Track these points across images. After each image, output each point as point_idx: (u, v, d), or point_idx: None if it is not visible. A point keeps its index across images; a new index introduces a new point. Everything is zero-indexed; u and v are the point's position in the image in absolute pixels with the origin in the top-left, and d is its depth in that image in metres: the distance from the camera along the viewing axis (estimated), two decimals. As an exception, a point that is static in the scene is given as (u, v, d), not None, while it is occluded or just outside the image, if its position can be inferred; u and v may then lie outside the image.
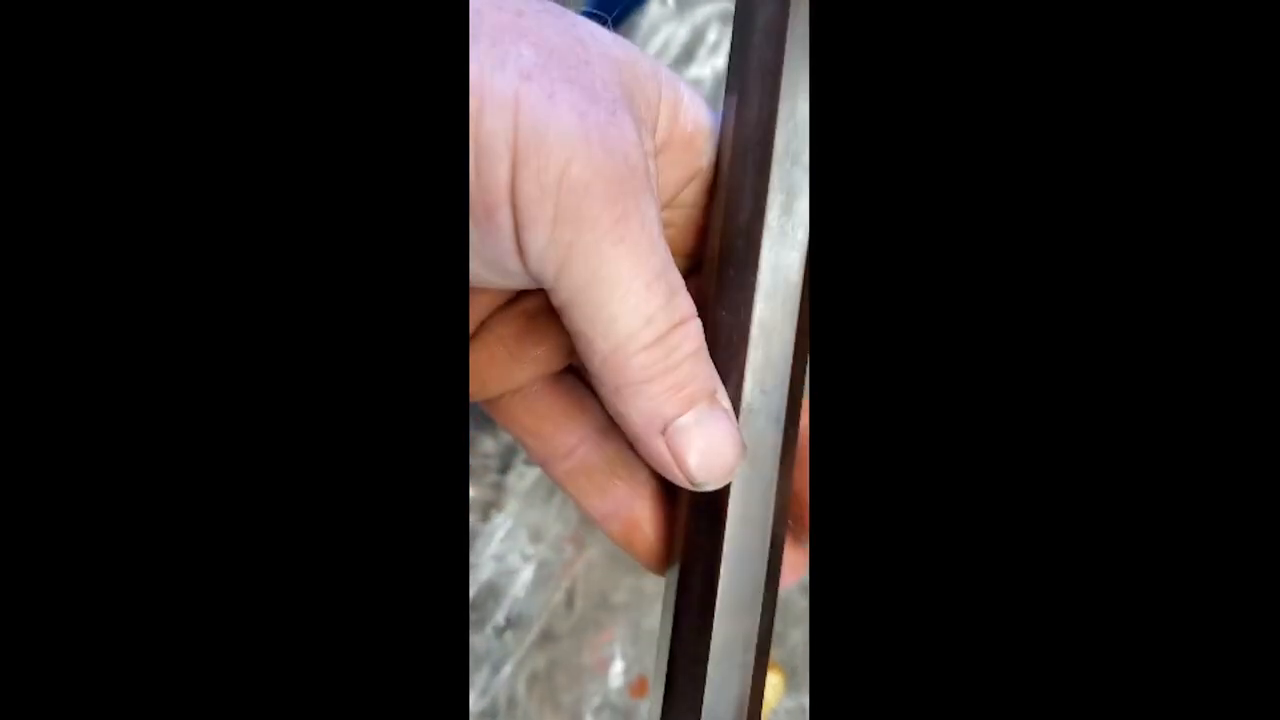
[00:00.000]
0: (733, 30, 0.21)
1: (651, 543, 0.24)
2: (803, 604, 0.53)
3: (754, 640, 0.21)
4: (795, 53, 0.19)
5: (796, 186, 0.20)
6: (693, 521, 0.22)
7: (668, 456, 0.20)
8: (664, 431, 0.19)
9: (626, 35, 0.53)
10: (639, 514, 0.23)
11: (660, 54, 0.49)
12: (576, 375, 0.25)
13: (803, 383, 0.21)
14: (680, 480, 0.20)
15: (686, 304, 0.19)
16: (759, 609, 0.21)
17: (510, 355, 0.22)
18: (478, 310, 0.22)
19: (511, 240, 0.17)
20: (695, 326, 0.20)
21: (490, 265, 0.18)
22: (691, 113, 0.21)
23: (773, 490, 0.21)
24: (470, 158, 0.16)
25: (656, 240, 0.18)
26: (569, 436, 0.23)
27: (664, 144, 0.21)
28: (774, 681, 0.50)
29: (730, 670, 0.21)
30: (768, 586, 0.21)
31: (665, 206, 0.22)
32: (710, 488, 0.20)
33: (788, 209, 0.20)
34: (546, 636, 0.52)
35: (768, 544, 0.21)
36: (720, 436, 0.20)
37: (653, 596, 0.50)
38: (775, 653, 0.52)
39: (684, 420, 0.19)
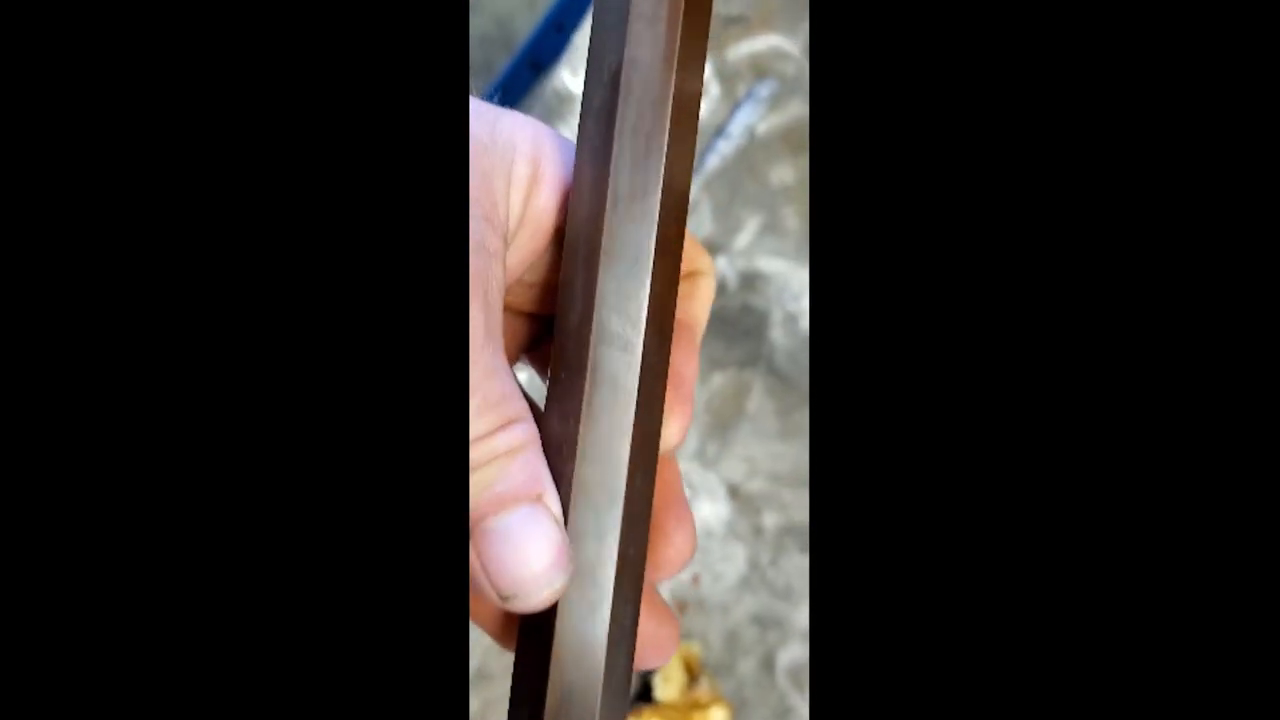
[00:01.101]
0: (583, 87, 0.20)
1: (495, 612, 0.21)
2: (752, 633, 0.52)
3: None
4: (626, 140, 0.19)
5: (632, 283, 0.19)
6: (521, 646, 0.20)
7: (474, 562, 0.18)
8: (473, 532, 0.18)
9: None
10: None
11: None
12: None
13: (648, 506, 0.20)
14: (488, 594, 0.18)
15: (512, 408, 0.18)
16: None
17: None
18: None
19: None
20: (519, 430, 0.18)
21: None
22: (546, 188, 0.20)
23: (605, 624, 0.19)
24: None
25: (480, 351, 0.18)
26: None
27: (520, 222, 0.20)
28: (721, 717, 0.49)
29: None
30: (605, 716, 0.19)
31: (525, 283, 0.22)
32: (521, 606, 0.18)
33: (620, 310, 0.19)
34: (481, 676, 0.50)
35: (600, 679, 0.19)
36: (536, 542, 0.18)
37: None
38: (725, 685, 0.50)
39: (492, 522, 0.18)
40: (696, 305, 0.23)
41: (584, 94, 0.20)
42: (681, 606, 0.51)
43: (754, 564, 0.53)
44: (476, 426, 0.18)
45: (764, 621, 0.53)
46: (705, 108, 0.52)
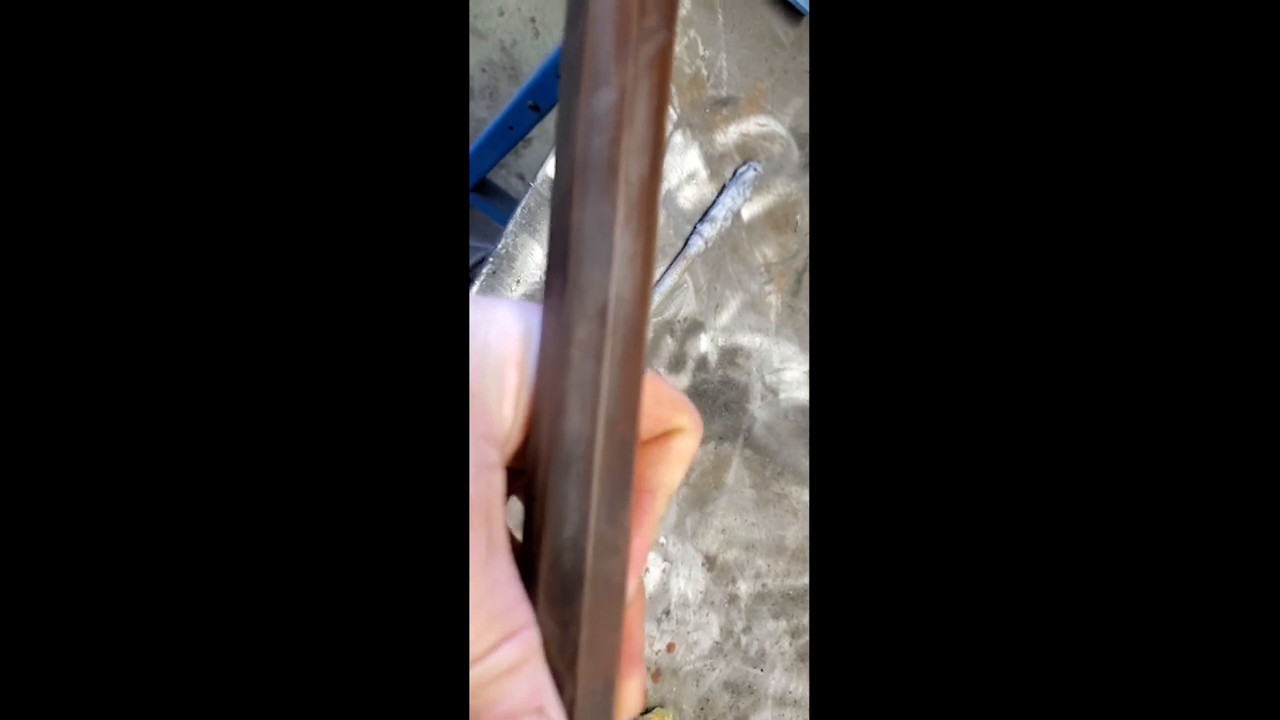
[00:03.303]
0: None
1: None
2: (725, 699, 0.54)
3: None
4: (612, 373, 0.20)
5: (619, 497, 0.21)
6: None
7: None
8: None
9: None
10: None
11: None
12: None
13: (618, 661, 0.22)
14: None
15: (516, 618, 0.20)
16: None
17: None
18: None
19: None
20: (521, 641, 0.20)
21: None
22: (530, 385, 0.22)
23: None
24: None
25: (483, 569, 0.19)
26: None
27: (513, 424, 0.21)
28: (690, 782, 0.50)
29: None
30: None
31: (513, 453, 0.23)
32: None
33: (611, 520, 0.21)
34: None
35: None
36: None
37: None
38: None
39: None
40: (667, 468, 0.23)
41: (560, 316, 0.21)
42: (656, 674, 0.53)
43: (727, 631, 0.55)
44: (482, 642, 0.19)
45: (737, 688, 0.55)
46: (692, 191, 0.54)
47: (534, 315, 0.22)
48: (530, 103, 0.95)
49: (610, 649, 0.21)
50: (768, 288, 0.56)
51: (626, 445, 0.21)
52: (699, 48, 0.55)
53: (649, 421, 0.23)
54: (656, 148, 0.20)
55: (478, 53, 1.47)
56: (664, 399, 0.23)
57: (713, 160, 0.55)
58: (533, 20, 1.52)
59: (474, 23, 1.47)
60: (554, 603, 0.21)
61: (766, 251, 0.56)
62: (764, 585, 0.56)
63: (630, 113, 0.20)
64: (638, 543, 0.23)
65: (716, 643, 0.54)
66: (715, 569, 0.54)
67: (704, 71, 0.55)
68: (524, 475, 0.22)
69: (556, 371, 0.21)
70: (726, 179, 0.55)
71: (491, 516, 0.20)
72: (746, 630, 0.55)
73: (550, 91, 0.92)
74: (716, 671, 0.54)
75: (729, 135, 0.55)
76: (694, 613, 0.54)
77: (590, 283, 0.20)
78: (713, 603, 0.54)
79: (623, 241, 0.20)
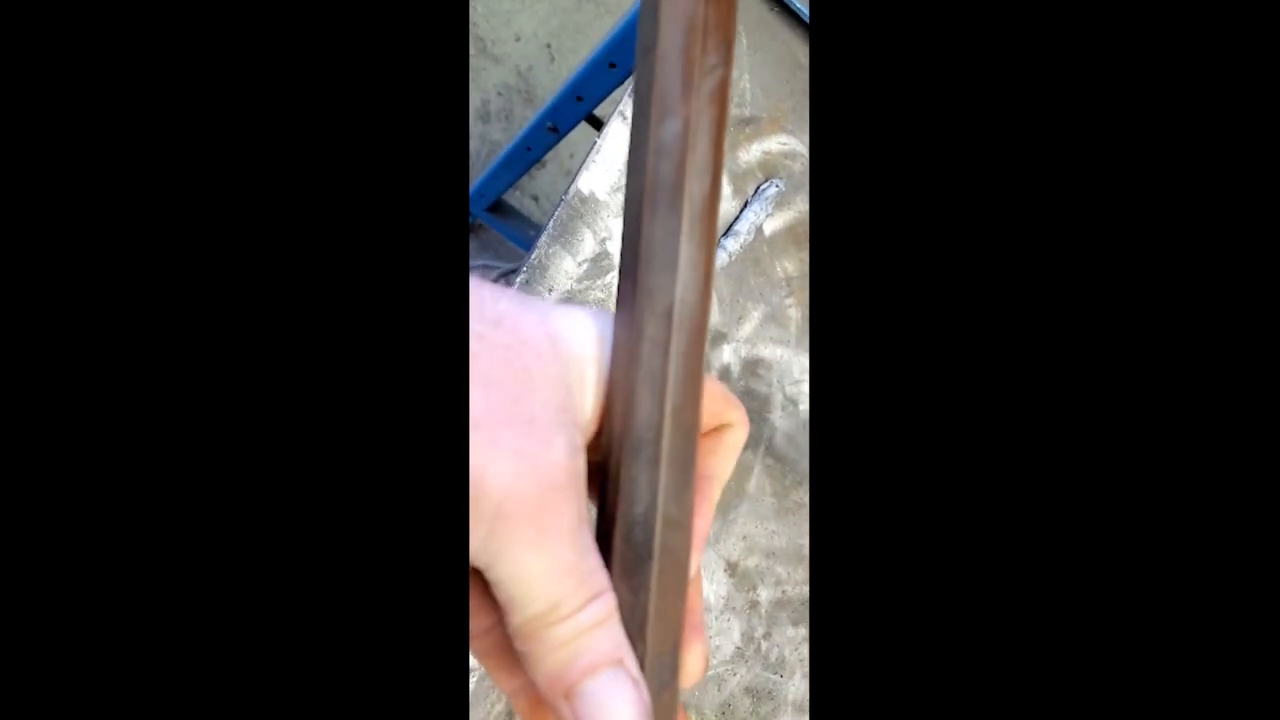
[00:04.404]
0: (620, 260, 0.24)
1: None
2: (746, 704, 0.54)
3: None
4: (677, 366, 0.22)
5: (683, 478, 0.23)
6: None
7: (570, 719, 0.21)
8: (568, 695, 0.21)
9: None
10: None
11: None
12: None
13: (684, 630, 0.24)
14: None
15: (598, 582, 0.22)
16: None
17: None
18: None
19: None
20: (603, 602, 0.22)
21: None
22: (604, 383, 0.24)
23: None
24: None
25: (574, 536, 0.21)
26: (485, 619, 0.25)
27: (593, 411, 0.24)
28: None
29: None
30: None
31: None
32: None
33: (677, 500, 0.23)
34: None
35: None
36: (623, 702, 0.21)
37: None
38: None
39: (585, 685, 0.21)
40: (722, 459, 0.26)
41: (632, 318, 0.23)
42: (678, 677, 0.54)
43: (748, 637, 0.56)
44: (573, 601, 0.21)
45: (757, 694, 0.55)
46: (716, 207, 0.56)
47: (607, 319, 0.24)
48: (549, 125, 0.97)
49: (676, 617, 0.23)
50: (788, 301, 0.58)
51: (690, 432, 0.23)
52: (723, 69, 0.57)
53: (705, 415, 0.25)
54: (716, 169, 0.23)
55: (494, 77, 1.49)
56: (717, 395, 0.25)
57: (736, 177, 0.56)
58: (548, 46, 1.54)
59: (490, 48, 1.49)
60: (626, 573, 0.23)
61: (787, 266, 0.58)
62: (784, 592, 0.57)
63: (694, 140, 0.22)
64: (699, 523, 0.25)
65: (738, 648, 0.55)
66: (737, 575, 0.55)
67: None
68: (599, 461, 0.24)
69: (629, 365, 0.23)
70: (749, 195, 0.56)
71: (580, 493, 0.22)
72: (767, 636, 0.56)
73: (568, 114, 0.95)
74: (737, 677, 0.55)
75: (751, 153, 0.57)
76: (716, 618, 0.55)
77: (659, 286, 0.22)
78: (734, 608, 0.55)
79: (687, 251, 0.22)
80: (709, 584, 0.55)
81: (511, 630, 0.22)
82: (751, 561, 0.56)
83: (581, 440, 0.22)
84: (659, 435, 0.22)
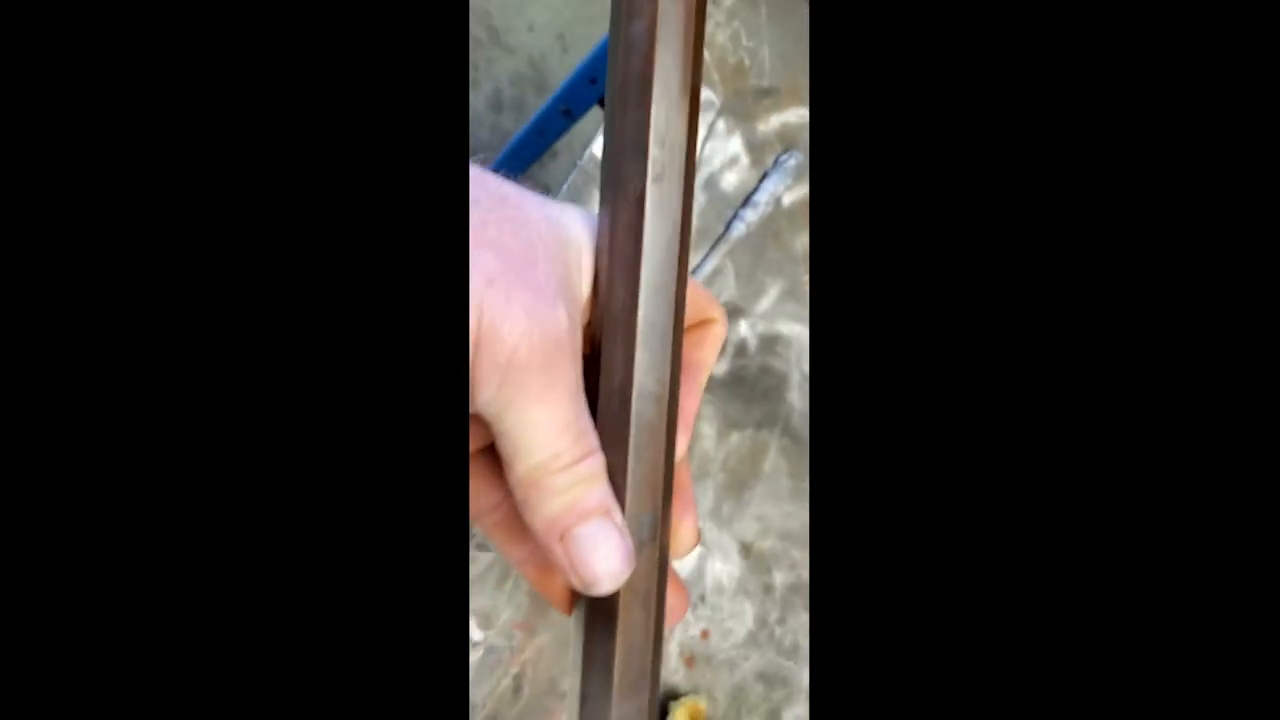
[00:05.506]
0: (602, 154, 0.25)
1: (560, 588, 0.27)
2: (759, 689, 0.53)
3: (647, 712, 0.25)
4: (653, 252, 0.24)
5: (660, 354, 0.24)
6: (590, 620, 0.26)
7: (563, 560, 0.24)
8: (562, 538, 0.23)
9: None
10: (550, 562, 0.27)
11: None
12: None
13: (670, 507, 0.26)
14: (574, 583, 0.24)
15: (590, 441, 0.24)
16: (648, 688, 0.25)
17: None
18: None
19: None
20: (595, 459, 0.24)
21: None
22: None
23: (653, 595, 0.25)
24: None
25: (572, 395, 0.23)
26: (494, 494, 0.27)
27: (587, 295, 0.26)
28: None
29: None
30: (654, 671, 0.25)
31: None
32: (597, 592, 0.24)
33: (653, 374, 0.24)
34: (492, 725, 0.51)
35: (651, 642, 0.25)
36: (609, 546, 0.23)
37: (604, 683, 0.49)
38: None
39: (578, 530, 0.23)
40: (705, 350, 0.29)
41: (608, 206, 0.24)
42: (690, 660, 0.52)
43: (762, 621, 0.54)
44: (573, 452, 0.23)
45: (770, 679, 0.54)
46: (734, 177, 0.54)
47: (592, 222, 0.26)
48: (562, 108, 0.96)
49: (653, 484, 0.25)
50: (807, 276, 0.56)
51: (665, 312, 0.24)
52: (742, 39, 0.56)
53: (690, 309, 0.27)
54: (688, 66, 0.24)
55: (506, 67, 1.49)
56: (700, 293, 0.28)
57: (754, 148, 0.55)
58: (561, 36, 1.54)
59: (503, 38, 1.49)
60: (607, 442, 0.25)
61: (806, 241, 0.56)
62: (799, 576, 0.55)
63: (661, 34, 0.23)
64: (687, 403, 0.27)
65: (751, 632, 0.54)
66: (751, 557, 0.54)
67: (746, 62, 0.55)
68: (590, 343, 0.25)
69: (609, 250, 0.25)
70: (768, 166, 0.55)
71: (577, 361, 0.24)
72: (781, 621, 0.55)
73: (581, 97, 0.93)
74: (750, 661, 0.53)
75: (770, 124, 0.56)
76: (729, 600, 0.53)
77: (630, 175, 0.24)
78: (747, 591, 0.54)
79: (656, 140, 0.23)
80: (722, 564, 0.53)
81: (515, 480, 0.24)
82: (766, 544, 0.54)
83: (579, 318, 0.24)
84: (632, 316, 0.24)
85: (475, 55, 1.46)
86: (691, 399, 0.28)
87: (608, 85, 0.25)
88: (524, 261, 0.23)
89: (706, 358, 0.29)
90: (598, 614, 0.26)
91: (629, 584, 0.24)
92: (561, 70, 1.52)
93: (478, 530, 0.45)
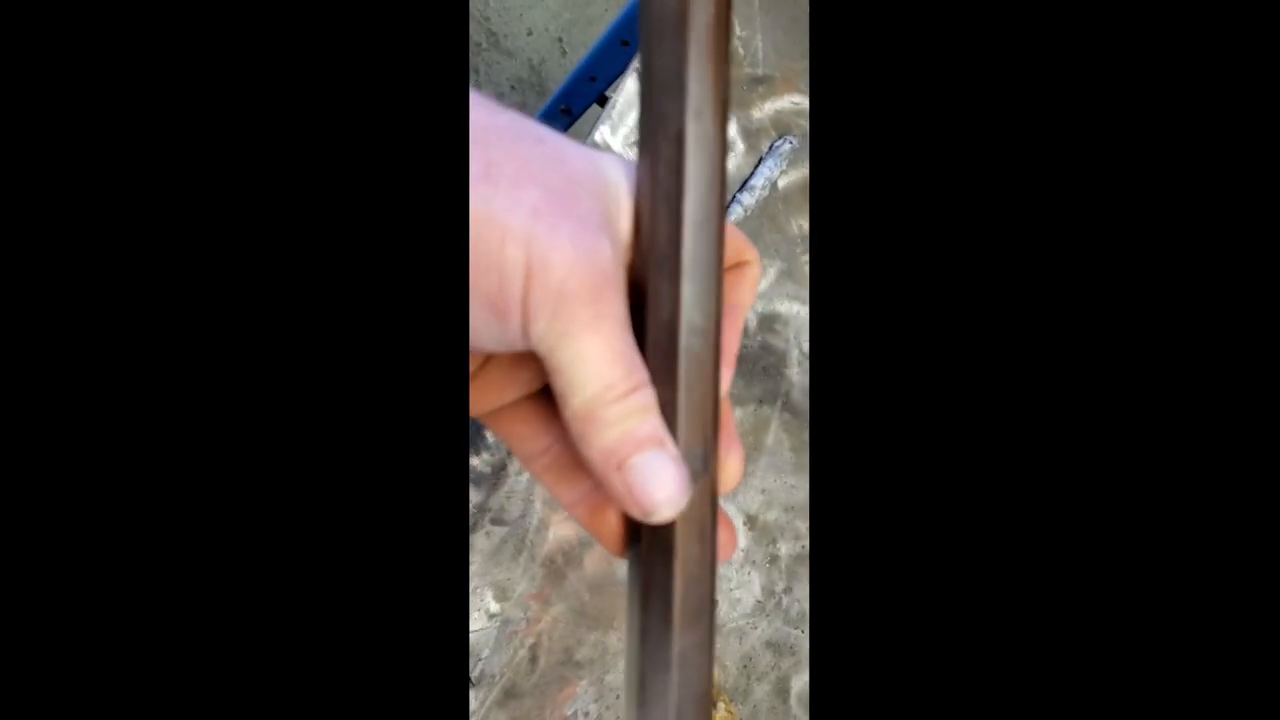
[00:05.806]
0: (640, 101, 0.26)
1: (613, 527, 0.28)
2: (767, 658, 0.55)
3: (707, 644, 0.26)
4: (693, 185, 0.24)
5: (705, 288, 0.25)
6: (648, 553, 0.26)
7: (621, 488, 0.24)
8: (619, 467, 0.24)
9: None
10: (602, 501, 0.27)
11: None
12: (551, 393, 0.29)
13: (717, 440, 0.26)
14: (634, 510, 0.24)
15: (641, 375, 0.24)
16: (706, 622, 0.25)
17: (505, 379, 0.28)
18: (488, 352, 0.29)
19: (519, 330, 0.23)
20: (647, 391, 0.24)
21: (501, 343, 0.24)
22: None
23: (709, 527, 0.26)
24: (495, 274, 0.23)
25: (622, 328, 0.24)
26: (545, 438, 0.28)
27: (628, 234, 0.26)
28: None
29: (690, 671, 0.25)
30: (710, 604, 0.26)
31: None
32: (657, 519, 0.24)
33: (699, 308, 0.25)
34: (509, 694, 0.52)
35: (708, 574, 0.25)
36: (666, 475, 0.24)
37: (616, 653, 0.51)
38: (741, 709, 0.53)
39: (635, 459, 0.24)
40: (744, 289, 0.29)
41: (649, 144, 0.25)
42: (700, 630, 0.54)
43: (769, 591, 0.56)
44: (626, 383, 0.23)
45: (778, 647, 0.55)
46: (731, 163, 0.56)
47: (630, 165, 0.26)
48: (562, 107, 0.98)
49: (704, 416, 0.25)
50: (804, 257, 0.58)
51: (709, 248, 0.25)
52: (735, 28, 0.57)
53: (728, 250, 0.27)
54: (719, 5, 0.24)
55: (507, 71, 1.51)
56: (735, 235, 0.28)
57: (750, 134, 0.57)
58: (560, 40, 1.56)
59: (503, 42, 1.51)
60: (657, 377, 0.25)
61: (802, 222, 0.58)
62: (804, 547, 0.57)
63: None
64: (728, 339, 0.27)
65: (758, 601, 0.55)
66: (757, 528, 0.56)
67: (740, 50, 0.57)
68: (632, 284, 0.26)
69: (650, 188, 0.25)
70: (763, 151, 0.57)
71: (622, 294, 0.24)
72: (787, 591, 0.56)
73: (581, 95, 0.95)
74: (759, 630, 0.55)
75: (764, 111, 0.58)
76: (737, 570, 0.55)
77: (669, 111, 0.24)
78: (754, 561, 0.55)
79: (696, 75, 0.24)
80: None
81: (570, 415, 0.24)
82: (771, 515, 0.56)
83: (623, 256, 0.24)
84: (678, 250, 0.24)
85: (475, 59, 1.48)
86: (733, 336, 0.28)
87: (640, 29, 0.25)
88: (566, 197, 0.23)
89: (745, 298, 0.29)
90: (655, 548, 0.26)
91: (685, 515, 0.25)
92: (561, 74, 1.54)
93: (492, 505, 0.47)
